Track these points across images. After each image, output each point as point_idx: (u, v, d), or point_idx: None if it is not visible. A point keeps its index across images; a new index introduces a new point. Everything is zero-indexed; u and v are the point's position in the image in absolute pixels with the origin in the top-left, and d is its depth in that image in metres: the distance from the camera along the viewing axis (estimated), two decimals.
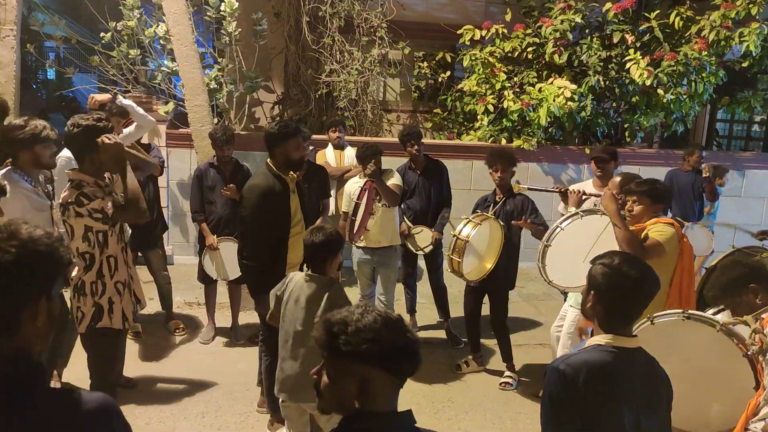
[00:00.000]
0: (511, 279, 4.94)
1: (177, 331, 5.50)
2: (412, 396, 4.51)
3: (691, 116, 8.22)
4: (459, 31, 8.00)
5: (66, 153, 4.17)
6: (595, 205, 4.45)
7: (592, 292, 2.21)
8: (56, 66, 9.34)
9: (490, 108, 7.77)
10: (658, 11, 7.82)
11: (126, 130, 4.88)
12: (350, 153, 6.20)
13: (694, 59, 7.36)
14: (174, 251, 7.30)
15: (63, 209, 3.23)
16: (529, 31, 7.94)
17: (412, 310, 5.80)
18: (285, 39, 8.07)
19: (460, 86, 8.21)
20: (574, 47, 7.83)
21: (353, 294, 5.15)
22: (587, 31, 8.10)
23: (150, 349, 5.21)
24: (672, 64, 7.36)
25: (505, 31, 7.93)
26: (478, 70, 7.85)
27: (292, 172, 4.03)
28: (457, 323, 5.66)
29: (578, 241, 3.82)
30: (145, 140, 5.45)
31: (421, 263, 5.82)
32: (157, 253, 5.50)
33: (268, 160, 4.01)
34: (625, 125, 8.23)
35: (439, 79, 8.65)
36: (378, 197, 4.94)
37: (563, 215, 4.30)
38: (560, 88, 7.34)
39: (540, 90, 7.47)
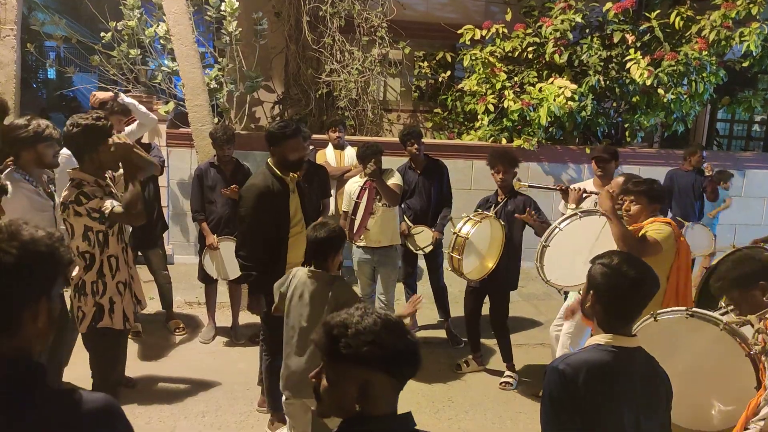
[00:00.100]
0: (513, 279, 4.93)
1: (177, 330, 5.50)
2: (412, 396, 4.51)
3: (692, 116, 8.22)
4: (459, 31, 8.00)
5: (66, 151, 4.17)
6: (595, 204, 4.45)
7: (591, 291, 2.21)
8: (56, 65, 9.34)
9: (491, 108, 7.77)
10: (658, 11, 7.82)
11: (128, 129, 4.88)
12: (350, 153, 6.20)
13: (694, 59, 7.36)
14: (174, 251, 7.30)
15: (63, 208, 3.23)
16: (529, 30, 7.94)
17: None
18: (285, 38, 8.08)
19: (460, 86, 8.21)
20: (574, 47, 7.83)
21: None
22: (587, 30, 8.10)
23: (150, 349, 5.21)
24: (672, 64, 7.36)
25: (506, 30, 7.92)
26: (479, 69, 7.85)
27: (291, 173, 4.03)
28: (457, 323, 5.66)
29: (577, 241, 3.82)
30: (145, 140, 5.45)
31: (422, 263, 5.82)
32: (157, 253, 5.50)
33: (269, 159, 4.01)
34: (626, 125, 8.23)
35: (440, 79, 8.66)
36: (378, 197, 4.94)
37: (563, 214, 4.32)
38: (560, 87, 7.34)
39: (540, 90, 7.47)
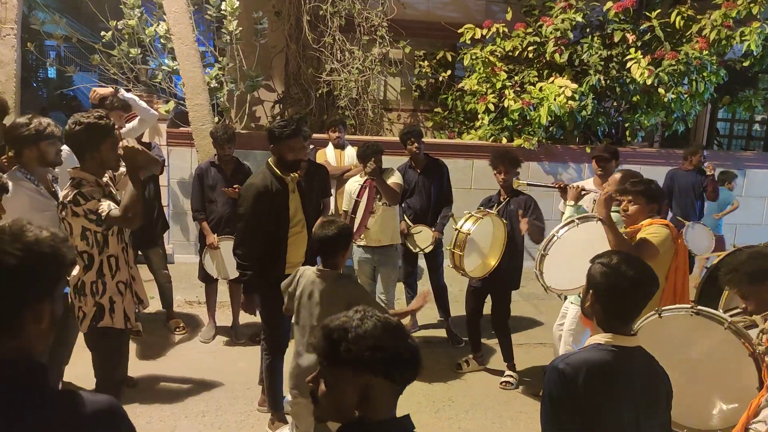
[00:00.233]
0: (515, 279, 4.95)
1: (177, 329, 5.50)
2: (412, 395, 4.51)
3: (692, 115, 8.23)
4: (460, 30, 8.00)
5: (68, 149, 4.16)
6: (593, 202, 4.46)
7: (590, 291, 2.21)
8: (57, 65, 9.32)
9: (491, 107, 7.77)
10: (659, 10, 7.82)
11: (129, 125, 4.87)
12: (351, 152, 6.19)
13: (695, 58, 7.37)
14: (174, 250, 7.30)
15: (61, 207, 3.22)
16: (529, 30, 7.94)
17: None
18: (286, 38, 8.07)
19: (460, 85, 8.21)
20: (574, 46, 7.82)
21: None
22: (588, 30, 8.10)
23: (150, 348, 5.21)
24: (673, 64, 7.36)
25: (506, 30, 7.92)
26: (479, 69, 7.85)
27: (291, 172, 4.02)
28: (457, 322, 5.66)
29: (575, 247, 3.80)
30: (146, 139, 5.45)
31: (422, 262, 5.82)
32: (158, 252, 5.50)
33: (269, 159, 4.01)
34: (626, 124, 8.23)
35: (440, 78, 8.65)
36: (378, 196, 4.94)
37: (562, 213, 4.32)
38: (561, 87, 7.34)
39: (541, 89, 7.47)
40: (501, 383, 4.92)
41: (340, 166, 6.19)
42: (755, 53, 7.51)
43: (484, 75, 7.83)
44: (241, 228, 4.00)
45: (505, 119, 7.78)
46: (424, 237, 5.46)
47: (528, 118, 7.61)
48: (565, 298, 4.54)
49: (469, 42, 8.01)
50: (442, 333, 5.72)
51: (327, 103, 8.16)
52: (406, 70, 8.64)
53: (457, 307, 5.65)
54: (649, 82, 7.32)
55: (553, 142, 8.00)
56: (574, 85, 7.42)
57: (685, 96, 7.65)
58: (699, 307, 2.87)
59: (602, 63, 7.68)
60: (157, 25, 7.03)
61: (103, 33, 7.23)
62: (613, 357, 2.10)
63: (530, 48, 7.87)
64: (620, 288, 2.13)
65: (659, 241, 3.53)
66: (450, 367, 5.16)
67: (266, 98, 8.40)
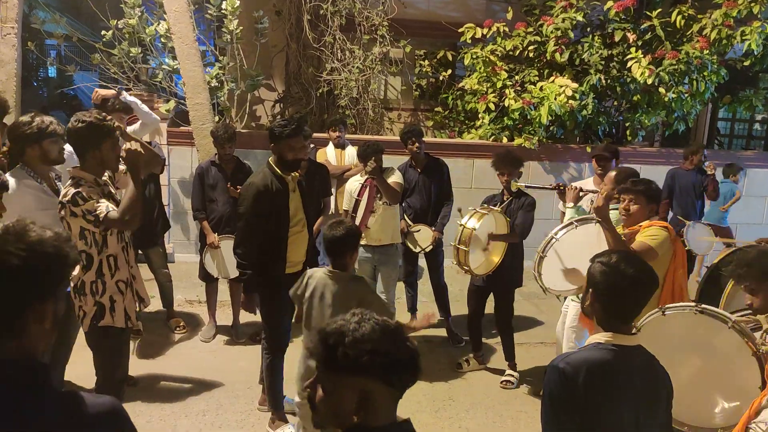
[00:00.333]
0: (517, 278, 4.97)
1: (178, 329, 5.50)
2: (412, 394, 4.48)
3: (693, 115, 8.22)
4: (460, 30, 7.99)
5: (70, 147, 4.16)
6: (591, 202, 4.46)
7: (590, 290, 2.22)
8: (57, 64, 9.32)
9: (492, 106, 7.77)
10: (659, 10, 7.81)
11: (130, 128, 4.87)
12: (351, 152, 6.19)
13: (695, 58, 7.36)
14: (175, 249, 7.30)
15: (60, 206, 3.22)
16: (530, 29, 7.94)
17: (413, 308, 5.79)
18: (286, 37, 8.07)
19: (461, 84, 8.21)
20: (575, 46, 7.82)
21: None
22: (589, 29, 8.10)
23: (151, 347, 5.21)
24: (673, 63, 7.36)
25: (507, 29, 7.92)
26: (480, 68, 7.84)
27: (291, 172, 4.02)
28: (457, 321, 5.66)
29: (573, 249, 3.80)
30: (146, 138, 5.44)
31: (422, 262, 5.82)
32: (158, 251, 5.50)
33: (270, 158, 4.00)
34: (627, 124, 8.22)
35: (441, 78, 8.65)
36: (379, 195, 4.94)
37: (563, 213, 4.32)
38: (561, 86, 7.33)
39: (541, 88, 7.46)
40: (501, 382, 4.92)
41: (341, 166, 6.19)
42: (756, 53, 7.50)
43: (485, 74, 7.82)
44: (241, 227, 4.00)
45: (505, 119, 7.78)
46: (424, 236, 5.46)
47: (528, 117, 7.61)
48: (565, 298, 4.54)
49: (469, 41, 8.00)
50: (442, 332, 5.72)
51: (327, 102, 8.16)
52: (407, 69, 8.64)
53: (458, 307, 5.65)
54: (649, 81, 7.32)
55: (553, 141, 8.00)
56: (575, 85, 7.41)
57: (686, 95, 7.64)
58: (703, 305, 2.87)
59: (603, 62, 7.67)
60: (158, 25, 7.03)
61: (103, 32, 7.23)
62: (614, 356, 2.10)
63: (531, 47, 7.86)
64: (620, 287, 2.13)
65: (658, 244, 3.52)
66: (450, 366, 5.16)
67: (267, 97, 8.40)
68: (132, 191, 3.21)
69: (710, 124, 10.06)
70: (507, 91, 7.64)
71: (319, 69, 8.02)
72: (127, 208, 3.19)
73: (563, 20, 7.64)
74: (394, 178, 5.03)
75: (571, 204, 4.19)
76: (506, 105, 7.57)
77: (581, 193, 4.26)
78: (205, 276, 5.45)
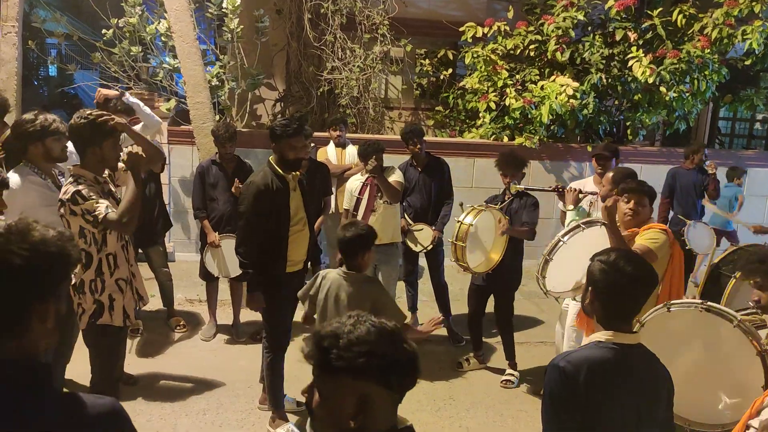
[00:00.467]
0: (517, 277, 4.97)
1: (178, 328, 5.50)
2: (413, 394, 4.44)
3: (694, 114, 8.22)
4: (461, 29, 7.98)
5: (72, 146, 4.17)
6: (590, 204, 4.45)
7: (590, 288, 2.22)
8: (58, 63, 9.32)
9: (492, 105, 7.76)
10: (660, 9, 7.80)
11: None
12: (351, 151, 6.19)
13: (696, 57, 7.35)
14: (175, 248, 7.30)
15: (60, 204, 3.22)
16: (531, 28, 7.93)
17: (413, 307, 5.79)
18: (287, 36, 8.07)
19: (462, 84, 8.20)
20: (576, 45, 7.81)
21: None
22: (590, 28, 8.10)
23: (151, 346, 5.21)
24: (674, 62, 7.35)
25: (508, 28, 7.91)
26: (480, 67, 7.84)
27: (292, 171, 4.02)
28: (458, 321, 5.66)
29: (577, 251, 3.78)
30: (147, 137, 5.44)
31: (422, 261, 5.82)
32: (158, 250, 5.49)
33: (271, 157, 4.00)
34: (628, 123, 8.21)
35: (441, 77, 8.65)
36: (379, 194, 4.94)
37: (564, 213, 4.31)
38: (562, 85, 7.33)
39: (542, 87, 7.46)
40: (502, 382, 4.91)
41: (341, 165, 6.19)
42: (757, 52, 7.49)
43: (486, 73, 7.82)
44: (242, 226, 4.00)
45: (506, 118, 7.77)
46: (424, 235, 5.46)
47: (529, 116, 7.60)
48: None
49: (470, 40, 8.00)
50: (442, 331, 5.71)
51: (328, 101, 8.16)
52: (408, 68, 8.63)
53: (458, 306, 5.65)
54: (650, 80, 7.31)
55: (554, 140, 8.00)
56: (576, 84, 7.41)
57: (687, 95, 7.63)
58: (709, 303, 2.87)
59: (604, 61, 7.67)
60: (158, 23, 7.03)
61: (104, 31, 7.23)
62: (614, 355, 2.10)
63: (532, 46, 7.86)
64: (619, 284, 2.13)
65: (657, 247, 3.51)
66: (451, 365, 5.15)
67: (267, 96, 8.40)
68: (132, 194, 3.21)
69: (711, 124, 10.05)
70: (508, 90, 7.63)
71: (320, 68, 8.01)
72: (125, 211, 3.19)
73: (564, 19, 7.63)
74: (395, 177, 5.03)
75: (571, 206, 4.18)
76: (507, 104, 7.56)
77: (581, 195, 4.25)
78: (205, 275, 5.45)
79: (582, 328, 3.71)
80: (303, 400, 1.54)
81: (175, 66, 7.03)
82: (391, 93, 9.06)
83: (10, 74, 6.01)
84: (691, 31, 7.71)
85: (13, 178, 3.56)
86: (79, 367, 3.98)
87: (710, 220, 6.95)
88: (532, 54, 7.94)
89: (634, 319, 2.34)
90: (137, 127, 4.89)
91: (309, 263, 4.39)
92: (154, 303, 5.66)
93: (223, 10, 6.99)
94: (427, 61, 8.78)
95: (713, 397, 2.79)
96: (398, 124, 8.58)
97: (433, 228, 5.45)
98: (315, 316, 3.56)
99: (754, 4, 7.32)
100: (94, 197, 3.18)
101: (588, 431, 2.08)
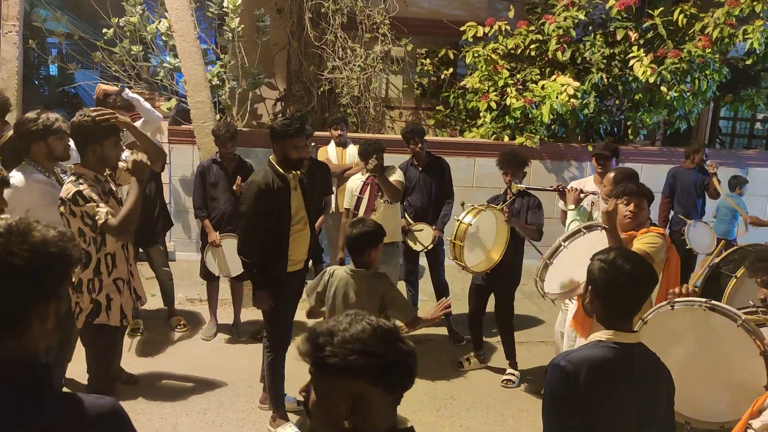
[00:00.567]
0: (517, 277, 4.97)
1: (179, 327, 5.51)
2: (413, 393, 4.47)
3: (695, 114, 8.21)
4: (462, 28, 7.98)
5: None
6: (591, 204, 4.45)
7: (590, 287, 2.22)
8: (58, 62, 9.33)
9: (493, 105, 7.76)
10: (661, 8, 7.79)
11: None
12: (352, 150, 6.18)
13: (697, 57, 7.35)
14: (176, 247, 7.30)
15: (61, 203, 3.23)
16: (532, 27, 7.93)
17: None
18: (287, 35, 8.07)
19: (462, 83, 8.20)
20: (577, 44, 7.81)
21: None
22: (590, 28, 8.09)
23: (152, 345, 5.21)
24: (675, 62, 7.35)
25: (508, 27, 7.91)
26: (481, 67, 7.83)
27: (293, 171, 4.02)
28: (458, 320, 5.66)
29: (578, 254, 3.78)
30: (147, 133, 5.43)
31: (423, 260, 5.82)
32: (158, 249, 5.49)
33: (271, 156, 4.00)
34: (628, 123, 8.21)
35: (442, 76, 8.64)
36: (380, 193, 4.94)
37: (565, 212, 4.30)
38: (563, 85, 7.32)
39: (543, 87, 7.46)
40: (503, 381, 4.92)
41: (342, 164, 6.19)
42: (758, 51, 7.47)
43: (487, 73, 7.81)
44: (242, 226, 4.00)
45: (507, 117, 7.77)
46: (425, 235, 5.45)
47: (530, 116, 7.60)
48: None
49: (471, 40, 7.99)
50: (443, 331, 5.72)
51: (329, 100, 8.16)
52: (408, 67, 8.62)
53: (459, 305, 5.64)
54: (651, 80, 7.30)
55: (555, 140, 7.99)
56: (577, 83, 7.40)
57: (688, 94, 7.63)
58: (713, 302, 2.86)
59: (605, 61, 7.66)
60: (159, 23, 7.03)
61: (104, 30, 7.22)
62: (615, 354, 2.11)
63: (532, 46, 7.85)
64: (618, 283, 2.14)
65: (655, 251, 3.51)
66: (451, 365, 5.15)
67: (268, 96, 8.39)
68: (133, 202, 3.20)
69: (712, 123, 10.03)
70: (508, 89, 7.63)
71: (321, 67, 8.01)
72: (125, 218, 3.19)
73: (565, 19, 7.63)
74: (396, 177, 5.03)
75: (573, 206, 4.18)
76: (508, 104, 7.56)
77: (582, 195, 4.25)
78: (206, 274, 5.45)
79: (577, 330, 3.70)
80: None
81: (176, 65, 7.02)
82: (392, 92, 9.06)
83: (11, 73, 6.01)
84: (692, 30, 7.70)
85: (17, 176, 3.56)
86: (80, 366, 3.98)
87: (715, 227, 6.93)
88: (532, 53, 7.93)
89: (634, 318, 2.34)
90: (138, 123, 4.90)
91: (310, 262, 4.39)
92: (155, 302, 5.67)
93: (224, 9, 6.98)
94: (428, 61, 8.78)
95: (714, 396, 2.79)
96: (399, 123, 8.58)
97: (434, 227, 5.45)
98: (323, 310, 3.58)
99: (755, 3, 7.31)
100: (95, 199, 3.18)
101: (588, 431, 2.09)
